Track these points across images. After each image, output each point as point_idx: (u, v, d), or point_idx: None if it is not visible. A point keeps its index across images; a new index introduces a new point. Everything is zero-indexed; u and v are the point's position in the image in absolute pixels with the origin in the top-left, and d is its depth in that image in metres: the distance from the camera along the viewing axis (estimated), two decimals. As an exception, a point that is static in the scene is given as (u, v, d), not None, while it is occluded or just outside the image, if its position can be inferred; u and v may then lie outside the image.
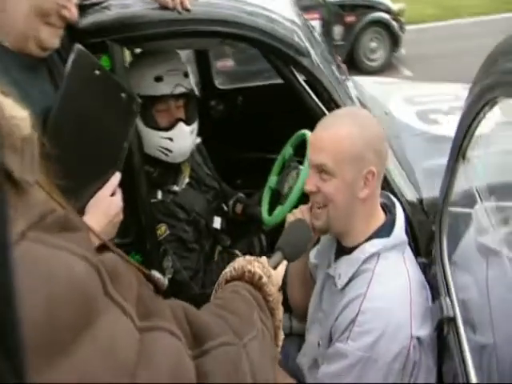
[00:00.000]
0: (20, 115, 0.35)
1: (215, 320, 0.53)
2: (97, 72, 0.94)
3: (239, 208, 1.66)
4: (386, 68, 5.93)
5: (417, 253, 1.29)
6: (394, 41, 5.76)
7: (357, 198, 0.96)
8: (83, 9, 1.14)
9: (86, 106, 0.93)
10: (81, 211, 0.94)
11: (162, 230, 1.36)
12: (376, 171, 0.95)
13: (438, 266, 1.09)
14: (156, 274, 0.48)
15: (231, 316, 0.57)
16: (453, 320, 0.90)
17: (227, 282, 0.73)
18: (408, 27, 6.01)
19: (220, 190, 1.65)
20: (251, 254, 1.50)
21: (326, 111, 1.26)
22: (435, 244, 1.14)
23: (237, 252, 1.48)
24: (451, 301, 0.95)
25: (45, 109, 0.87)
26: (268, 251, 1.51)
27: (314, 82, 1.23)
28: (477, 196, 0.92)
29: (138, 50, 1.58)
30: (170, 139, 1.35)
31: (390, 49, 5.85)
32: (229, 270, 0.75)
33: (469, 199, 1.13)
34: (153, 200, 1.35)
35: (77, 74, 0.90)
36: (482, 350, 0.91)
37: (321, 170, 0.95)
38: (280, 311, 0.74)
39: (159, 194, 1.37)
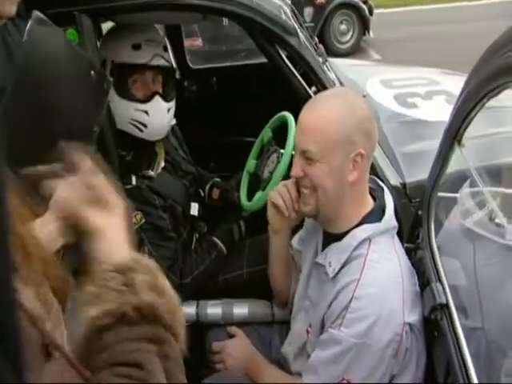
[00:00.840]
0: None
1: None
2: (60, 44, 0.83)
3: (216, 193, 1.61)
4: (356, 51, 5.98)
5: (399, 237, 1.31)
6: (363, 24, 5.81)
7: (346, 182, 0.94)
8: None
9: (47, 83, 0.81)
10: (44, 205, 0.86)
11: (138, 218, 1.29)
12: (365, 153, 0.93)
13: (426, 251, 1.09)
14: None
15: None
16: (445, 306, 0.90)
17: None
18: (375, 11, 6.05)
19: (197, 174, 1.60)
20: (230, 241, 1.47)
21: (310, 92, 1.22)
22: (423, 229, 1.14)
23: (215, 239, 1.43)
24: (442, 287, 0.96)
25: (0, 85, 0.76)
26: (247, 237, 1.48)
27: (300, 61, 1.19)
28: (471, 177, 0.92)
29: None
30: (146, 112, 1.28)
31: (359, 32, 5.88)
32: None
33: (455, 183, 1.14)
34: (127, 186, 1.27)
35: (35, 46, 0.78)
36: (471, 332, 0.93)
37: (307, 155, 0.92)
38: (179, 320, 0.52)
39: (133, 180, 1.30)
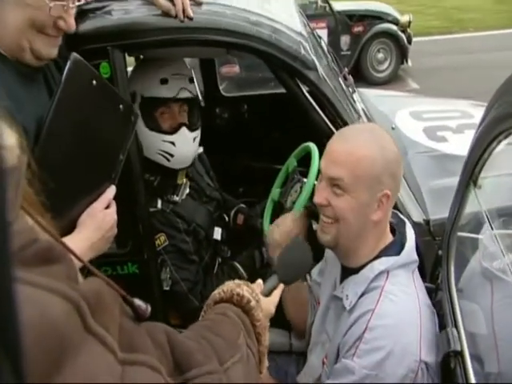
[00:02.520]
0: (7, 144, 0.35)
1: (199, 346, 0.55)
2: (94, 82, 0.92)
3: (240, 219, 1.66)
4: (393, 80, 5.95)
5: (422, 276, 1.28)
6: (402, 52, 5.78)
7: (369, 220, 0.94)
8: (84, 13, 1.14)
9: (81, 117, 0.91)
10: (73, 224, 0.93)
11: (161, 240, 1.35)
12: (391, 195, 0.94)
13: (444, 293, 1.07)
14: (137, 301, 0.48)
15: (216, 338, 0.59)
16: (460, 354, 0.88)
17: (216, 303, 0.76)
18: (414, 39, 6.04)
19: (222, 200, 1.65)
20: (252, 268, 1.49)
21: (331, 126, 1.25)
22: (442, 270, 1.12)
23: (237, 265, 1.47)
24: (458, 332, 0.93)
25: (39, 119, 0.86)
26: (269, 265, 1.48)
27: (319, 95, 1.22)
28: (486, 221, 0.90)
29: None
30: (173, 143, 1.36)
31: (397, 60, 5.87)
32: (217, 292, 0.77)
33: (477, 224, 1.11)
34: (152, 209, 1.34)
35: (72, 84, 0.88)
36: (486, 378, 0.89)
37: (334, 183, 0.93)
38: (266, 337, 0.75)
39: (159, 203, 1.37)
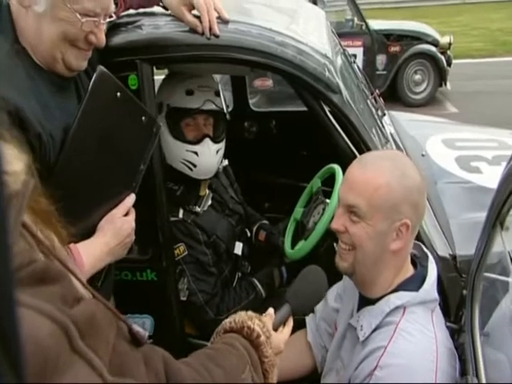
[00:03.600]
0: (13, 169, 0.37)
1: (196, 375, 0.56)
2: (118, 94, 0.97)
3: (262, 235, 1.68)
4: (430, 102, 5.85)
5: (445, 314, 1.22)
6: (440, 74, 5.68)
7: (387, 249, 0.93)
8: (116, 27, 1.18)
9: (105, 127, 0.96)
10: (92, 229, 0.98)
11: (181, 249, 1.37)
12: (411, 225, 0.91)
13: (467, 336, 1.02)
14: (136, 326, 0.48)
15: (217, 369, 0.60)
16: (478, 406, 0.82)
17: (226, 332, 0.76)
18: (454, 61, 5.93)
19: (244, 215, 1.66)
20: (270, 286, 1.47)
21: (354, 150, 1.22)
22: (466, 311, 1.06)
23: (255, 281, 1.48)
24: (479, 382, 0.87)
25: (66, 127, 0.91)
26: (288, 284, 1.50)
27: (343, 119, 1.20)
28: (510, 265, 0.85)
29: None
30: (196, 153, 1.38)
31: (435, 83, 5.77)
32: (229, 321, 0.78)
33: (507, 266, 1.05)
34: (173, 218, 1.36)
35: (97, 96, 0.93)
36: None
37: (351, 210, 0.92)
38: (274, 375, 0.75)
39: (180, 213, 1.39)
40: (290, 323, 0.88)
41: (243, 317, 0.77)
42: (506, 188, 0.77)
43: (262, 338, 0.73)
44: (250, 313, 0.79)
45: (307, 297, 0.93)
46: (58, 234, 0.47)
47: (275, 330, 0.85)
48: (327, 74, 1.16)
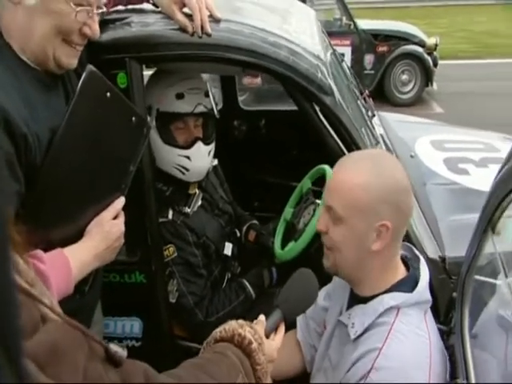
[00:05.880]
0: None
1: None
2: (108, 94, 0.95)
3: (252, 235, 1.68)
4: (417, 102, 5.95)
5: (435, 315, 1.24)
6: (427, 75, 5.79)
7: (369, 249, 0.93)
8: (105, 23, 1.16)
9: (94, 128, 0.95)
10: (80, 233, 0.96)
11: (170, 251, 1.36)
12: (391, 226, 0.91)
13: (457, 339, 1.04)
14: (114, 346, 0.47)
15: (207, 379, 0.59)
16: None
17: (216, 341, 0.75)
18: (440, 62, 6.04)
19: (234, 215, 1.66)
20: (260, 287, 1.47)
21: (345, 151, 1.24)
22: (456, 314, 1.08)
23: (245, 282, 1.48)
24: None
25: (54, 127, 0.89)
26: (278, 285, 1.49)
27: (334, 121, 1.21)
28: (500, 267, 0.87)
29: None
30: (188, 158, 1.38)
31: (421, 83, 5.87)
32: (219, 330, 0.77)
33: (495, 268, 1.08)
34: (162, 219, 1.35)
35: (86, 95, 0.92)
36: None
37: (331, 211, 0.94)
38: (268, 382, 0.75)
39: (170, 214, 1.38)
40: (282, 330, 0.87)
41: (233, 325, 0.76)
42: (498, 194, 0.79)
43: (254, 344, 0.73)
44: (240, 321, 0.78)
45: (298, 301, 0.92)
46: (16, 245, 0.45)
47: (267, 336, 0.84)
48: (320, 75, 1.17)
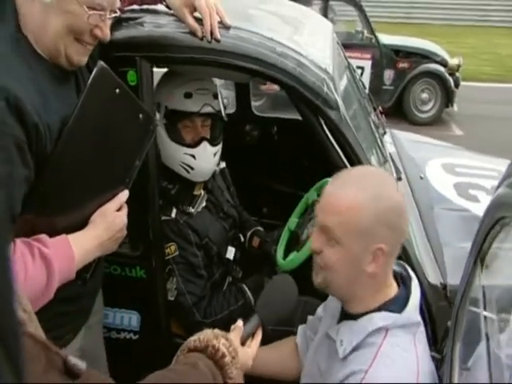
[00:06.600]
0: None
1: None
2: (117, 91, 1.00)
3: (256, 242, 1.70)
4: (436, 122, 5.90)
5: (434, 342, 1.22)
6: (447, 95, 5.74)
7: (363, 271, 0.92)
8: (119, 22, 1.20)
9: (102, 122, 0.99)
10: (84, 222, 1.01)
11: (172, 249, 1.39)
12: (386, 249, 0.89)
13: (446, 369, 1.01)
14: (73, 359, 0.47)
15: None
16: None
17: (190, 350, 0.76)
18: (463, 83, 5.99)
19: (238, 219, 1.68)
20: (259, 293, 1.50)
21: (348, 166, 1.24)
22: (448, 343, 1.06)
23: (245, 287, 1.50)
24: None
25: (64, 118, 0.93)
26: None
27: (339, 135, 1.21)
28: (481, 301, 0.84)
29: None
30: (193, 156, 1.41)
31: (441, 103, 5.83)
32: (193, 339, 0.77)
33: (488, 303, 1.05)
34: (165, 217, 1.38)
35: (96, 91, 0.96)
36: None
37: (326, 232, 0.92)
38: None
39: (173, 212, 1.41)
40: (259, 336, 0.88)
41: (209, 335, 0.76)
42: (486, 225, 0.77)
43: (227, 358, 0.73)
44: (216, 331, 0.79)
45: (276, 307, 0.93)
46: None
47: (243, 343, 0.85)
48: (325, 89, 1.17)
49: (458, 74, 5.77)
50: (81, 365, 0.46)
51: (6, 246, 0.28)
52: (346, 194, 0.90)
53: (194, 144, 1.41)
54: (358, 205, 0.88)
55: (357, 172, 1.03)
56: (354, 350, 0.93)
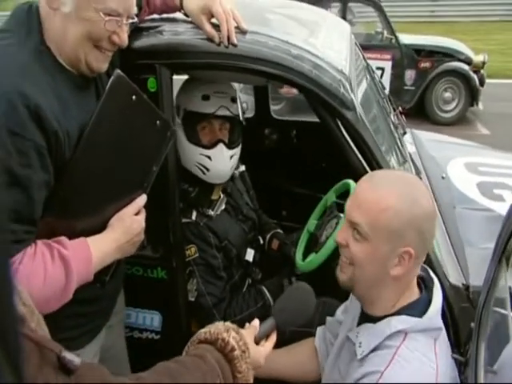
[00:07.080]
0: None
1: None
2: (133, 97, 1.03)
3: (275, 244, 1.73)
4: (460, 122, 5.79)
5: (456, 344, 1.21)
6: (472, 94, 5.63)
7: (387, 273, 0.93)
8: (138, 30, 1.24)
9: (119, 128, 1.02)
10: (103, 226, 1.04)
11: (192, 251, 1.43)
12: (414, 253, 0.91)
13: (470, 372, 1.00)
14: (69, 354, 0.49)
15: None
16: None
17: (200, 342, 0.76)
18: (489, 80, 5.87)
19: (258, 222, 1.70)
20: (279, 295, 1.53)
21: (367, 167, 1.24)
22: (472, 345, 1.05)
23: (264, 289, 1.51)
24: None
25: (83, 125, 0.98)
26: None
27: (356, 136, 1.22)
28: (507, 300, 0.84)
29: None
30: (209, 157, 1.44)
31: (465, 102, 5.72)
32: (204, 331, 0.78)
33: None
34: (186, 220, 1.42)
35: (113, 98, 0.99)
36: None
37: (354, 227, 0.93)
38: None
39: (193, 215, 1.45)
40: (273, 337, 0.89)
41: (219, 328, 0.77)
42: (511, 223, 0.77)
43: (237, 352, 0.73)
44: (227, 324, 0.79)
45: (293, 314, 0.95)
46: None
47: (257, 342, 0.86)
48: (342, 90, 1.18)
49: (482, 72, 5.65)
50: (76, 361, 0.47)
51: (6, 248, 0.29)
52: (382, 193, 0.92)
53: (211, 145, 1.44)
54: (394, 206, 0.89)
55: (393, 174, 1.05)
56: (372, 351, 0.94)
